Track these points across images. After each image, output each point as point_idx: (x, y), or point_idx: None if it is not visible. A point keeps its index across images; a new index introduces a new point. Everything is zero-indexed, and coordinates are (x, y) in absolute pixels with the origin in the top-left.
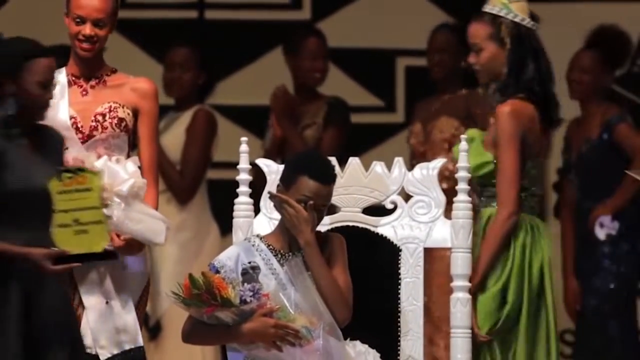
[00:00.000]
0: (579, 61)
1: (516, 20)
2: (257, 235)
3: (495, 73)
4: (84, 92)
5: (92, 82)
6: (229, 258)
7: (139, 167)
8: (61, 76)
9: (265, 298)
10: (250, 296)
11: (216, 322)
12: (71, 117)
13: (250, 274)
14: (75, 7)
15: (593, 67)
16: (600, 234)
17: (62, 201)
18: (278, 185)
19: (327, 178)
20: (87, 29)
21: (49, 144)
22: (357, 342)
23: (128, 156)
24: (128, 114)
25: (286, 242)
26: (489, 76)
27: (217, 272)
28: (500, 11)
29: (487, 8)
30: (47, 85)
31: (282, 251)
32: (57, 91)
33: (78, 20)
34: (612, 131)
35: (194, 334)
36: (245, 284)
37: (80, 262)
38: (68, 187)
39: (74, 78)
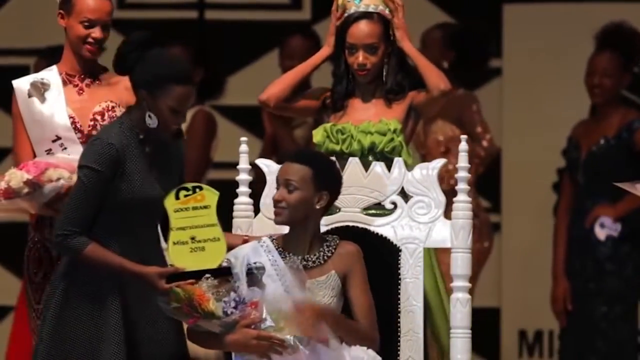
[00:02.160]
0: (599, 65)
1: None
2: (270, 236)
3: (379, 72)
4: (80, 91)
5: (87, 81)
6: (235, 256)
7: None
8: (53, 74)
9: (250, 308)
10: (233, 307)
11: (205, 329)
12: (70, 117)
13: (254, 274)
14: (85, 10)
15: (614, 70)
16: (601, 234)
17: (179, 219)
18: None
19: (294, 157)
20: (98, 33)
21: (171, 155)
22: (357, 347)
23: None
24: None
25: (294, 244)
26: (375, 76)
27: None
28: (385, 9)
29: (371, 8)
30: (179, 112)
31: (289, 254)
32: (52, 91)
33: (87, 24)
34: (633, 132)
35: (193, 335)
36: (232, 294)
37: (192, 279)
38: (185, 204)
39: (68, 77)
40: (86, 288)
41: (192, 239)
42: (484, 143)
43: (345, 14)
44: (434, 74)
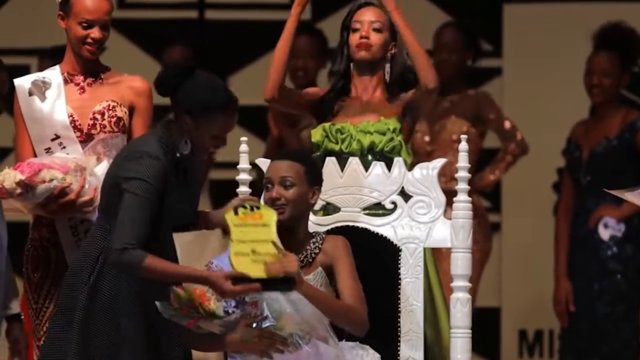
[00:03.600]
0: (598, 64)
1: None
2: None
3: (377, 60)
4: (81, 90)
5: (89, 80)
6: (227, 259)
7: None
8: (55, 74)
9: (251, 307)
10: (234, 306)
11: (205, 331)
12: (69, 115)
13: None
14: (83, 11)
15: (613, 69)
16: (604, 234)
17: (239, 232)
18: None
19: (283, 154)
20: (97, 33)
21: (193, 170)
22: (356, 344)
23: None
24: (125, 112)
25: (283, 244)
26: (374, 60)
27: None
28: None
29: None
30: (219, 138)
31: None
32: (53, 90)
33: (85, 24)
34: (635, 132)
35: (190, 340)
36: None
37: (257, 283)
38: (244, 221)
39: (70, 76)
40: (109, 294)
41: (253, 251)
42: (518, 137)
43: None
44: (427, 69)
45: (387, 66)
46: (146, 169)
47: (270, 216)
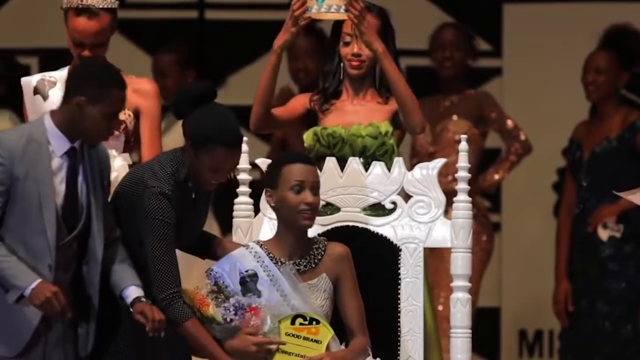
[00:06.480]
0: (593, 62)
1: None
2: (257, 242)
3: (370, 71)
4: None
5: None
6: (227, 265)
7: (134, 164)
8: (63, 74)
9: (250, 314)
10: (233, 313)
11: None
12: None
13: (248, 282)
14: (73, 29)
15: (608, 68)
16: (603, 235)
17: (288, 343)
18: (266, 192)
19: (306, 159)
20: (87, 53)
21: (203, 196)
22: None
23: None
24: (129, 115)
25: (284, 248)
26: (365, 73)
27: (215, 280)
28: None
29: (334, 8)
30: (219, 171)
31: (281, 259)
32: (58, 89)
33: (76, 42)
34: (635, 133)
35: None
36: (231, 300)
37: None
38: (298, 332)
39: None
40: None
41: None
42: (522, 137)
43: (306, 13)
44: (415, 113)
45: (378, 68)
46: (159, 208)
47: (327, 335)
